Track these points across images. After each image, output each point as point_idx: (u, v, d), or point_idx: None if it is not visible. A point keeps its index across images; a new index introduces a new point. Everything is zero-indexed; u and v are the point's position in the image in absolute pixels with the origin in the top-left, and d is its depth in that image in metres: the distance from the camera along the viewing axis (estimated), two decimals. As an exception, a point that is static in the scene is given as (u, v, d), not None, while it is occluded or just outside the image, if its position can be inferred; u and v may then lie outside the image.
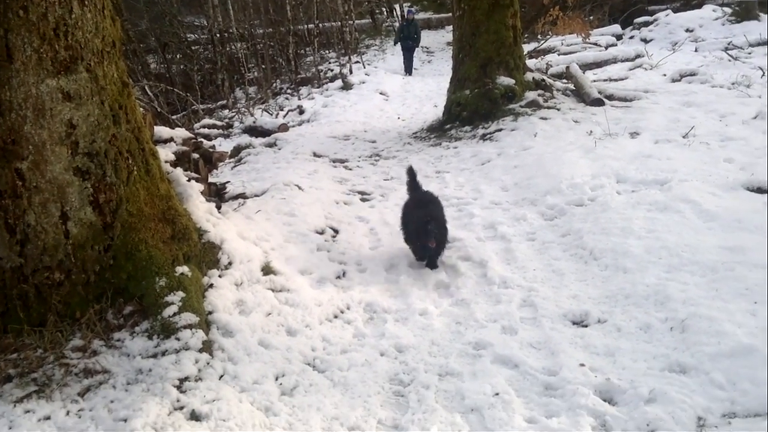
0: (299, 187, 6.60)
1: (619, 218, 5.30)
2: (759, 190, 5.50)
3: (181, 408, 3.08)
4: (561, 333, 3.83)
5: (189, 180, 5.01)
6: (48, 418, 2.97)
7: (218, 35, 18.27)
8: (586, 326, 3.91)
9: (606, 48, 16.31)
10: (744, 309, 3.73)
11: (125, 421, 2.93)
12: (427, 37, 22.62)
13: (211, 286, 4.14)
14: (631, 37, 18.12)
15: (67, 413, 3.02)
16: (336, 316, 4.22)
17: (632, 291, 4.17)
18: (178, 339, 3.55)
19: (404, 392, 3.41)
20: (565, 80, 11.34)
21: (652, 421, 2.91)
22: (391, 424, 3.13)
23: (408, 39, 18.53)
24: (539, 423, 3.02)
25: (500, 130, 8.99)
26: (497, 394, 3.28)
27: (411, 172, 5.51)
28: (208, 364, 3.45)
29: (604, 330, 3.82)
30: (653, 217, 5.25)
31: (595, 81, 11.33)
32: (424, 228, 4.72)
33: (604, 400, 3.14)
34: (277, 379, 3.47)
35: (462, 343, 3.82)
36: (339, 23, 21.20)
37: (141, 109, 4.66)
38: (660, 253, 4.60)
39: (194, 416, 3.04)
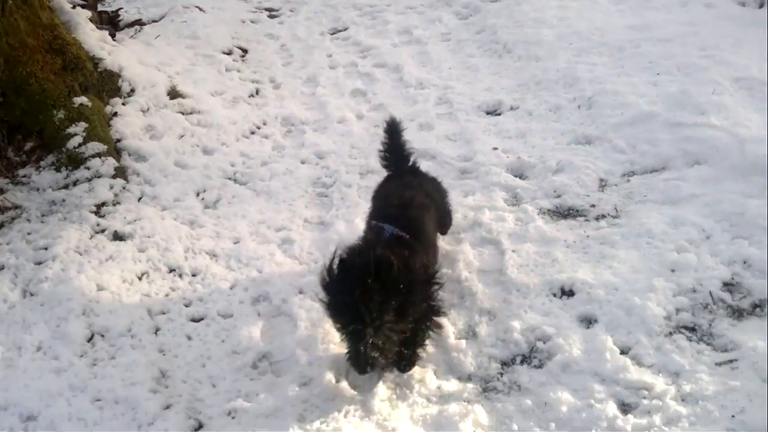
0: (200, 9, 6.09)
1: (532, 10, 5.22)
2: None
3: (103, 231, 3.06)
4: (475, 123, 3.90)
5: (74, 7, 4.54)
6: (-36, 256, 2.91)
7: None
8: (499, 114, 4.00)
9: None
10: (647, 81, 3.87)
11: (46, 249, 2.90)
12: None
13: (115, 114, 3.93)
14: None
15: (-17, 249, 2.96)
16: (253, 133, 4.14)
17: (543, 77, 4.22)
18: (87, 168, 3.43)
19: (327, 193, 3.47)
20: None
21: (558, 188, 3.11)
22: (317, 221, 3.23)
23: None
24: (456, 201, 3.17)
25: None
26: (416, 183, 3.39)
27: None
28: (124, 188, 3.38)
29: (516, 116, 3.91)
30: (565, 5, 5.20)
31: None
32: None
33: (516, 176, 3.31)
34: (198, 195, 3.46)
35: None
36: None
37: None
38: (570, 38, 4.62)
39: (117, 236, 3.04)
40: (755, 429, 1.77)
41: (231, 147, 3.92)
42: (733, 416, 1.82)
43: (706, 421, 1.82)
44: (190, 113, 4.17)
